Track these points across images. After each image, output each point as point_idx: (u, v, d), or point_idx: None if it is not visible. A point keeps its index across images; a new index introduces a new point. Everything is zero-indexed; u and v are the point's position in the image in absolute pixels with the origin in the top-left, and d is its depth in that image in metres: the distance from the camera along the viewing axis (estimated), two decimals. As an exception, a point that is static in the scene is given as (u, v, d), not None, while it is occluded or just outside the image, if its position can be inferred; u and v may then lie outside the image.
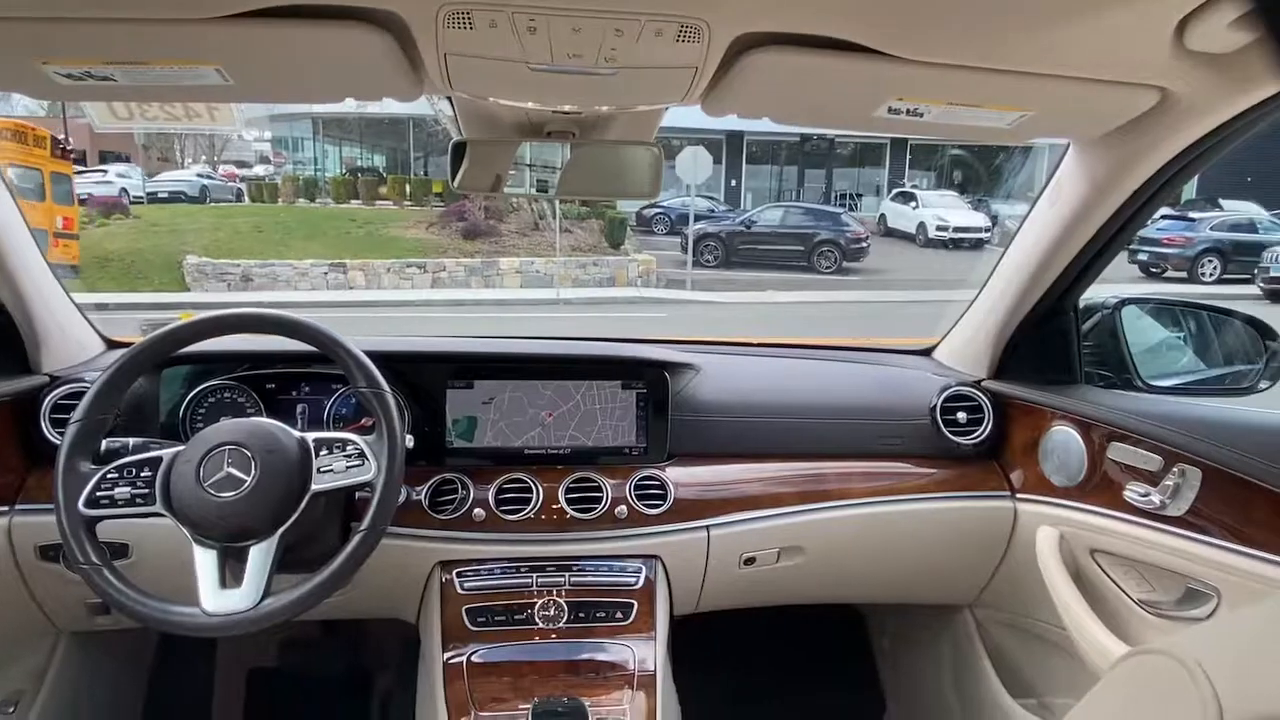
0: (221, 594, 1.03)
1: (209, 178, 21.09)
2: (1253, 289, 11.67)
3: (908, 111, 1.00)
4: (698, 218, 15.30)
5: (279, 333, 1.15)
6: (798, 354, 1.80)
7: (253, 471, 1.05)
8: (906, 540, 1.53)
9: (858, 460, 1.53)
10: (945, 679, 1.81)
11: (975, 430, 1.54)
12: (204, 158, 26.45)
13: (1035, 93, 0.97)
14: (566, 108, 1.06)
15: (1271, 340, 1.46)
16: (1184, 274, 13.54)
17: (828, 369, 1.72)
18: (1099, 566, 1.35)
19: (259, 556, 1.05)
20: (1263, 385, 1.42)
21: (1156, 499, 1.23)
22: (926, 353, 1.77)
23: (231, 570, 1.05)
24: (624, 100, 1.02)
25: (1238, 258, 12.96)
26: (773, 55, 0.89)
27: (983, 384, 1.58)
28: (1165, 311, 1.59)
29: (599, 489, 1.42)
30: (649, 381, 1.49)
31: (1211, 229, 13.70)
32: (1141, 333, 1.54)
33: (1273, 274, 11.59)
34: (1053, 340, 1.50)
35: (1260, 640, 0.35)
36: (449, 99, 1.11)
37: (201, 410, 1.40)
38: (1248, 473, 1.09)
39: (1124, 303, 1.50)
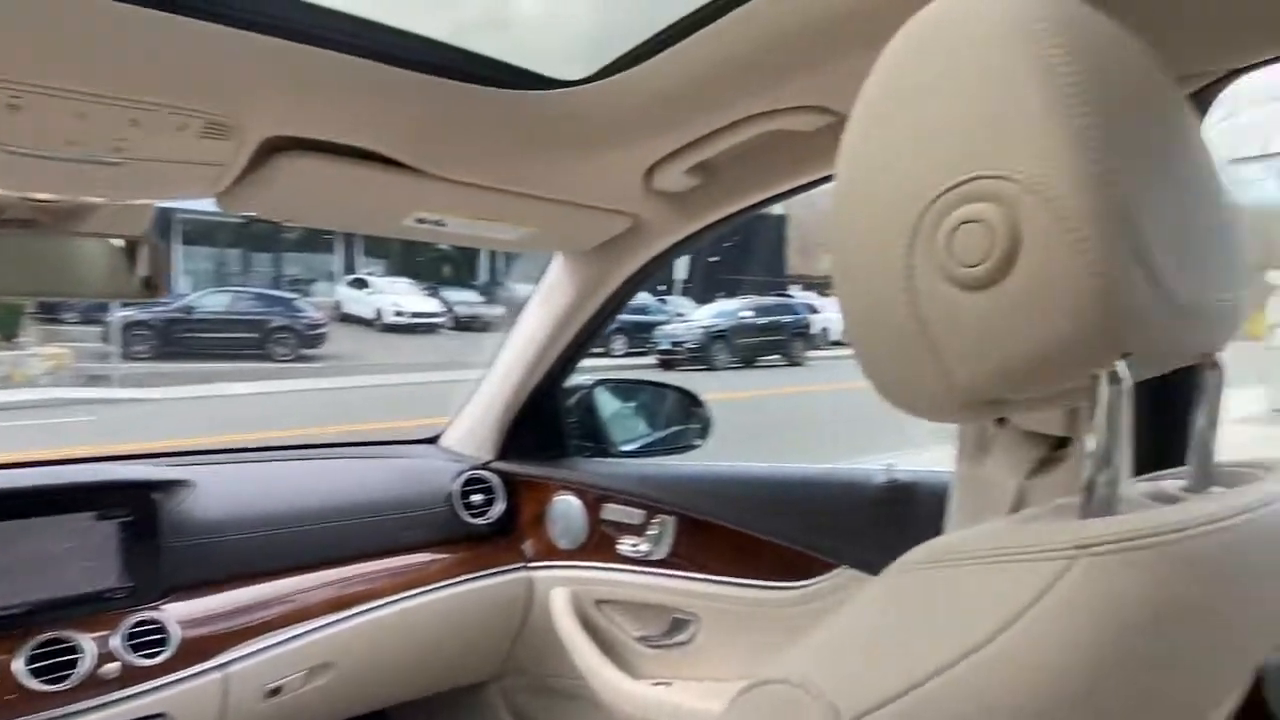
0: None
1: None
2: (651, 360, 14.57)
3: (434, 222, 1.07)
4: (122, 304, 13.25)
5: None
6: (302, 455, 1.71)
7: None
8: (434, 629, 1.55)
9: (384, 558, 1.51)
10: None
11: (489, 510, 1.65)
12: None
13: (538, 213, 1.12)
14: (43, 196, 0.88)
15: (697, 407, 1.85)
16: (602, 349, 16.18)
17: (339, 468, 1.67)
18: (605, 615, 1.54)
19: None
20: (697, 443, 1.79)
21: (644, 547, 1.46)
22: (432, 440, 1.83)
23: None
24: (129, 193, 0.89)
25: (638, 335, 15.93)
26: (304, 160, 0.88)
27: (491, 465, 1.70)
28: (627, 388, 1.92)
29: (75, 649, 1.15)
30: (132, 507, 1.27)
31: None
32: (612, 407, 1.83)
33: (661, 347, 14.73)
34: (548, 420, 1.69)
35: (849, 642, 0.46)
36: None
37: None
38: (707, 515, 1.38)
39: (598, 383, 1.78)
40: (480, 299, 19.30)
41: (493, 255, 20.49)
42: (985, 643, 0.39)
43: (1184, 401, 0.59)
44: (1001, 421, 0.60)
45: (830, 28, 0.76)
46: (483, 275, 21.59)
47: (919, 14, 0.48)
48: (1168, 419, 0.79)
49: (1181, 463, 0.58)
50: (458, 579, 1.57)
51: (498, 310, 18.14)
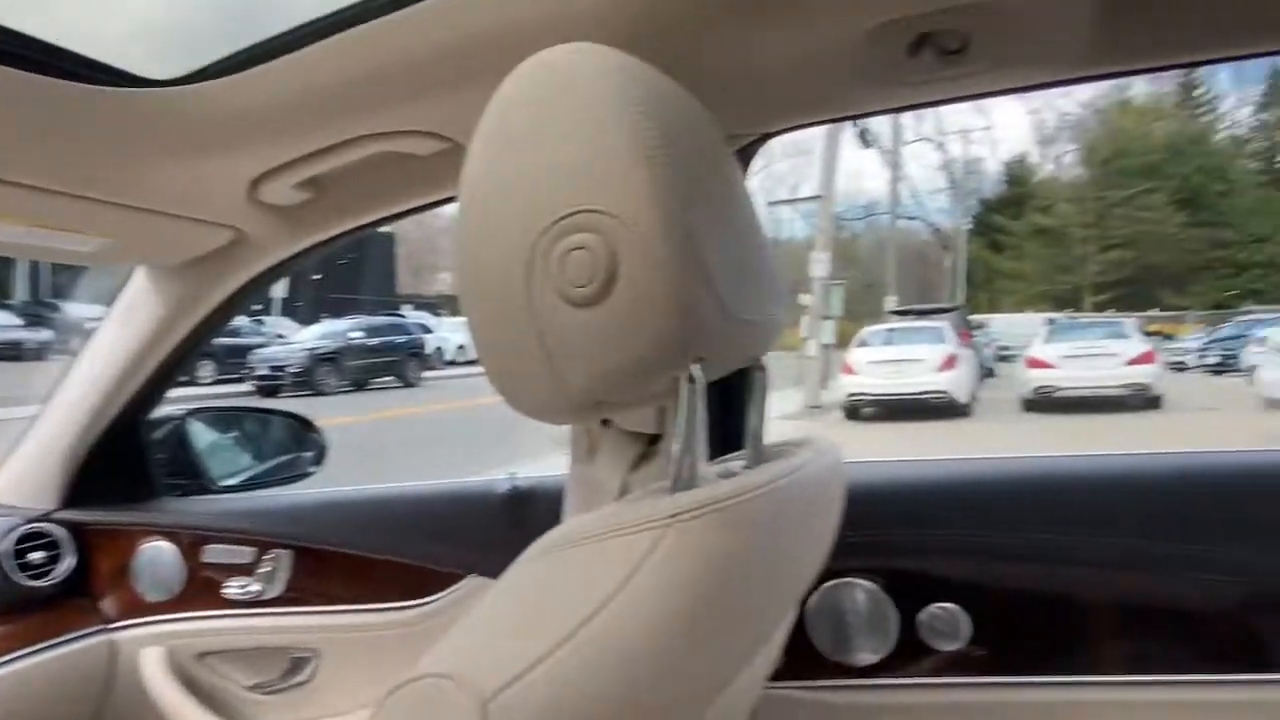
0: None
1: None
2: (247, 387, 13.25)
3: (-26, 228, 0.89)
4: None
5: None
6: None
7: None
8: None
9: None
10: None
11: (53, 568, 1.39)
12: None
13: (118, 222, 0.99)
14: None
15: (311, 432, 1.76)
16: (186, 377, 14.27)
17: None
18: (210, 668, 1.39)
19: None
20: (312, 470, 1.70)
21: (255, 587, 1.35)
22: None
23: None
24: None
25: (230, 360, 14.36)
26: None
27: (54, 516, 1.44)
28: (225, 418, 1.75)
29: None
30: None
31: (203, 337, 14.88)
32: (209, 439, 1.66)
33: (260, 373, 13.52)
34: (130, 457, 1.48)
35: (484, 629, 0.49)
36: None
37: None
38: (326, 543, 1.33)
39: (192, 413, 1.60)
40: (18, 322, 15.90)
41: (36, 268, 17.03)
42: (607, 602, 0.47)
43: (739, 399, 0.73)
44: (606, 424, 0.69)
45: (445, 58, 0.80)
46: (21, 293, 17.78)
47: (526, 62, 0.55)
48: (728, 414, 0.97)
49: (741, 448, 0.73)
50: (13, 655, 1.30)
51: (45, 335, 15.13)
